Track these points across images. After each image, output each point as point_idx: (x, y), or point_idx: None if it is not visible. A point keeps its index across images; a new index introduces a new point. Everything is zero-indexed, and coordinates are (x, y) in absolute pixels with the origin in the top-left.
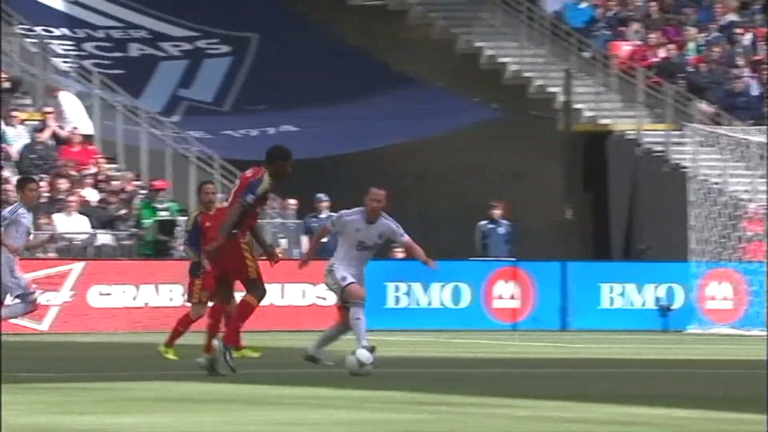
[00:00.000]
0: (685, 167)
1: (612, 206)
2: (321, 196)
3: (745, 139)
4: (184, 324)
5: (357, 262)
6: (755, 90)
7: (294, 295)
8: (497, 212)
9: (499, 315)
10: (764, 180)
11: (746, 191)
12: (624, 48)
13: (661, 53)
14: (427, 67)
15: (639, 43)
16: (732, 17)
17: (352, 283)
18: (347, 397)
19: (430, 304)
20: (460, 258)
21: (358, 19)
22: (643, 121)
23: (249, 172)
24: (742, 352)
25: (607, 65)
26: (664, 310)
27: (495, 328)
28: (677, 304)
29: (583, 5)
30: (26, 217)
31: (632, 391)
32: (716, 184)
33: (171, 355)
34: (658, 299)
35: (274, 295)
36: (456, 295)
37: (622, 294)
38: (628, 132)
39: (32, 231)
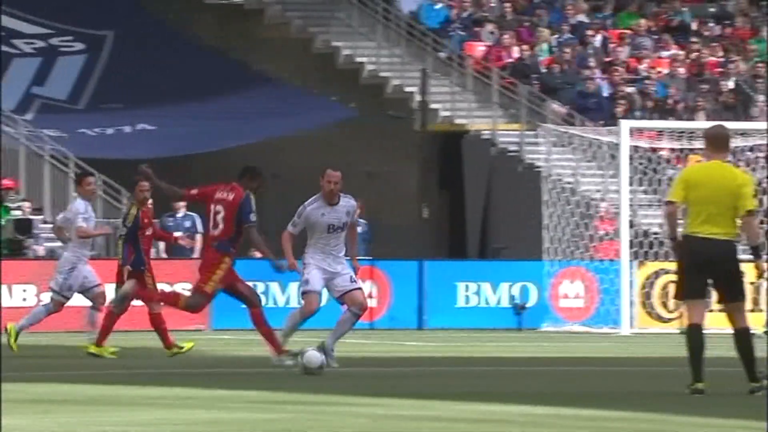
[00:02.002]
0: (538, 167)
1: (468, 205)
2: None
3: (597, 139)
4: (111, 320)
5: (330, 247)
6: (606, 91)
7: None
8: None
9: None
10: (615, 180)
11: (598, 191)
12: (479, 48)
13: (515, 54)
14: (284, 66)
15: (493, 43)
16: (582, 18)
17: (311, 292)
18: (205, 397)
19: (287, 303)
20: None
21: (215, 17)
22: (498, 121)
23: (230, 195)
24: (595, 349)
25: (463, 65)
26: (518, 309)
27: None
28: (531, 302)
29: (438, 6)
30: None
31: (488, 389)
32: (569, 183)
33: (107, 353)
34: (512, 298)
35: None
36: None
37: (477, 292)
38: (483, 132)
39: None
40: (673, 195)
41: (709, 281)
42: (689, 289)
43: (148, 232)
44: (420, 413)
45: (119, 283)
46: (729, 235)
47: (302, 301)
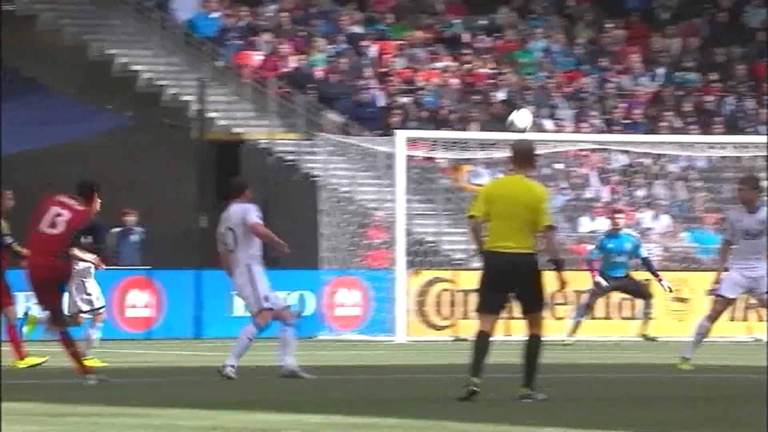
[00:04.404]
0: (315, 176)
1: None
2: None
3: (373, 149)
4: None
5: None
6: (381, 101)
7: None
8: (130, 219)
9: (132, 324)
10: (391, 189)
11: (374, 200)
12: (255, 58)
13: (292, 63)
14: (58, 73)
15: (270, 53)
16: (357, 29)
17: (269, 309)
18: None
19: None
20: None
21: None
22: (275, 130)
23: (80, 206)
24: (370, 357)
25: (240, 75)
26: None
27: (128, 337)
28: (308, 310)
29: (214, 15)
30: None
31: (263, 397)
32: (346, 192)
33: (26, 364)
34: (290, 306)
35: None
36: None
37: None
38: (260, 141)
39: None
40: (474, 209)
41: (511, 294)
42: (485, 303)
43: None
44: (197, 423)
45: None
46: (527, 249)
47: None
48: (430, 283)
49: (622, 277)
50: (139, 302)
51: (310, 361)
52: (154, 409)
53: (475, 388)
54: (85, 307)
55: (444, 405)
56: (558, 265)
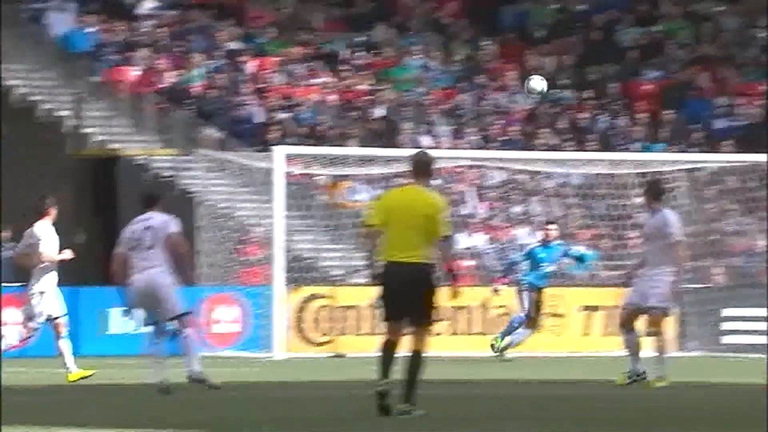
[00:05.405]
0: (193, 192)
1: (122, 231)
2: None
3: (251, 165)
4: None
5: None
6: (259, 117)
7: None
8: (4, 235)
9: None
10: (269, 205)
11: (252, 216)
12: (132, 73)
13: (169, 79)
14: None
15: (147, 68)
16: (235, 45)
17: (188, 312)
18: None
19: None
20: None
21: None
22: (152, 146)
23: None
24: (247, 374)
25: (116, 90)
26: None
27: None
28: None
29: (90, 29)
30: None
31: (135, 414)
32: (224, 209)
33: None
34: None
35: None
36: None
37: (131, 319)
38: (137, 157)
39: None
40: (371, 219)
41: (406, 303)
42: (387, 313)
43: None
44: None
45: None
46: (422, 259)
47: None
48: (309, 299)
49: (543, 288)
50: (13, 320)
51: (184, 378)
52: (30, 428)
53: (381, 389)
54: None
55: (320, 422)
56: (453, 277)
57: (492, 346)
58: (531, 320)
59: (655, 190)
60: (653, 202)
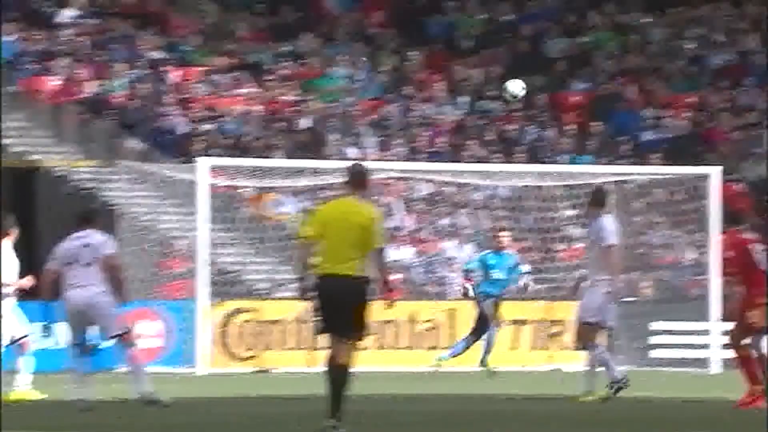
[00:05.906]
0: (115, 204)
1: (41, 244)
2: None
3: (174, 176)
4: None
5: None
6: (183, 128)
7: None
8: None
9: None
10: (193, 218)
11: (175, 229)
12: (52, 82)
13: (90, 89)
14: None
15: (67, 78)
16: (158, 54)
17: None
18: None
19: None
20: None
21: None
22: (72, 157)
23: None
24: (169, 390)
25: (35, 100)
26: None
27: None
28: (106, 342)
29: (9, 38)
30: None
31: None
32: (146, 221)
33: None
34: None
35: None
36: None
37: (50, 334)
38: (57, 168)
39: None
40: (305, 231)
41: (338, 316)
42: (321, 326)
43: None
44: None
45: None
46: (357, 272)
47: None
48: (233, 313)
49: (497, 295)
50: None
51: (108, 395)
52: None
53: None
54: None
55: None
56: (387, 288)
57: (487, 367)
58: (474, 331)
59: (598, 197)
60: (593, 210)
